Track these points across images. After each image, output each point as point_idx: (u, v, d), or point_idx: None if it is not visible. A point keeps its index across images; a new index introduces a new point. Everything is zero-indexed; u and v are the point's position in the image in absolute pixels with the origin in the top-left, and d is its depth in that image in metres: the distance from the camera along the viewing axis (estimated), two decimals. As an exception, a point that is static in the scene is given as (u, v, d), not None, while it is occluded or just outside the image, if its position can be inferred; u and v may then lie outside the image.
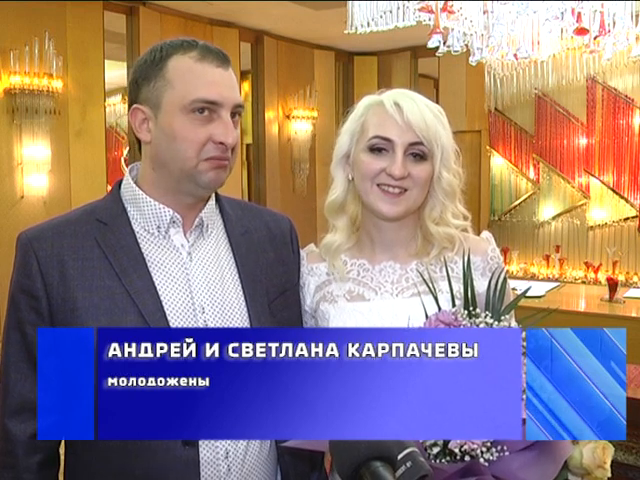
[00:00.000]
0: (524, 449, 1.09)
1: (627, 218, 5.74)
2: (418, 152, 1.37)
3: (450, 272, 1.35)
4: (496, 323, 1.19)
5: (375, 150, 1.38)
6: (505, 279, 1.29)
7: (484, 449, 1.07)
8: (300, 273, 1.50)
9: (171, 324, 1.25)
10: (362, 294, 1.42)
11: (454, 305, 1.27)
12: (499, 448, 1.08)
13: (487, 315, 1.20)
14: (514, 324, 1.21)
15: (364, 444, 0.83)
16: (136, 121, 1.29)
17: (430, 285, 1.29)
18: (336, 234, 1.48)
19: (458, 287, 1.31)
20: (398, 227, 1.44)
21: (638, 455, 2.75)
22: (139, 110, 1.29)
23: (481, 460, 1.07)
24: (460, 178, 1.44)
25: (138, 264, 1.27)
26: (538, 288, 5.33)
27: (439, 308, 1.25)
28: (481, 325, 1.17)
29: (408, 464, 0.87)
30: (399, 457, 0.87)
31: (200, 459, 1.24)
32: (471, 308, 1.23)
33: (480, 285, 1.31)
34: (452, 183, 1.42)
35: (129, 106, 1.32)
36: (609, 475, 1.13)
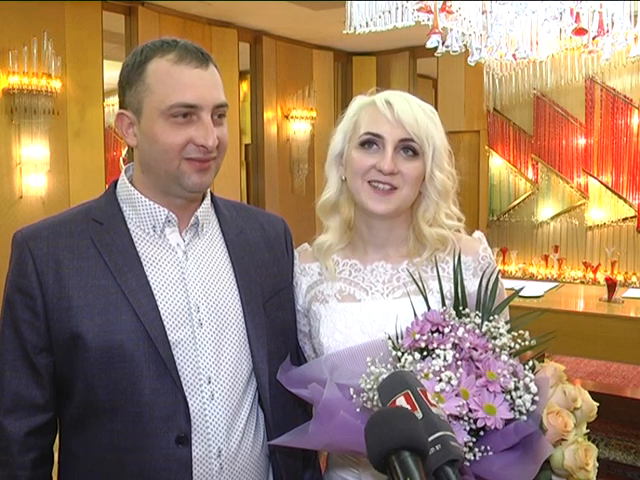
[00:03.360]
0: (506, 450, 1.09)
1: (626, 218, 5.75)
2: (409, 148, 1.37)
3: (441, 272, 1.35)
4: (486, 323, 1.19)
5: (366, 146, 1.39)
6: (497, 279, 1.29)
7: (466, 449, 1.07)
8: (293, 272, 1.51)
9: (165, 323, 1.25)
10: (353, 294, 1.43)
11: (444, 305, 1.27)
12: (482, 449, 1.08)
13: (476, 315, 1.20)
14: (502, 324, 1.20)
15: (398, 432, 0.83)
16: (122, 126, 1.30)
17: (420, 285, 1.30)
18: (328, 234, 1.48)
19: (449, 287, 1.31)
20: (390, 227, 1.44)
21: (637, 455, 2.75)
22: (124, 115, 1.29)
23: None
24: (454, 179, 1.43)
25: (133, 263, 1.27)
26: (537, 288, 5.33)
27: (428, 308, 1.25)
28: (469, 325, 1.17)
29: (437, 447, 0.86)
30: (429, 439, 0.86)
31: (192, 457, 1.25)
32: (460, 308, 1.23)
33: (471, 285, 1.32)
34: (445, 183, 1.41)
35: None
36: (593, 477, 1.12)
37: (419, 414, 0.90)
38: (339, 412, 1.11)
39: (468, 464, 1.07)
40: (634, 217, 5.69)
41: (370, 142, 1.38)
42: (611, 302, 4.91)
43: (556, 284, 5.74)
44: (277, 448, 1.33)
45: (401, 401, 0.93)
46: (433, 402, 0.95)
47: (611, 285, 4.96)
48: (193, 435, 1.25)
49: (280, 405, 1.35)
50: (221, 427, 1.28)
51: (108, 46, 5.10)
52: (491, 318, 1.21)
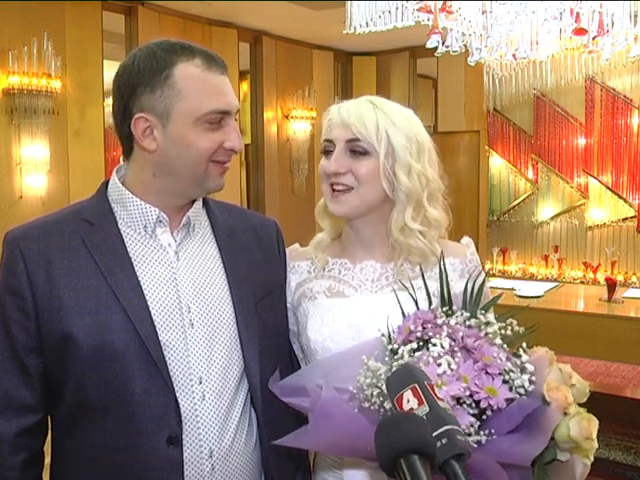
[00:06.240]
0: (511, 431, 1.10)
1: (626, 218, 5.75)
2: (356, 148, 1.39)
3: (429, 272, 1.38)
4: (473, 320, 1.21)
5: (327, 153, 1.44)
6: (483, 281, 1.32)
7: (472, 430, 1.08)
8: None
9: (156, 323, 1.25)
10: (342, 291, 1.44)
11: (430, 303, 1.29)
12: (486, 432, 1.09)
13: (462, 313, 1.22)
14: (490, 316, 1.23)
15: (408, 436, 0.84)
16: (138, 129, 1.26)
17: (408, 285, 1.33)
18: (323, 232, 1.53)
19: (436, 286, 1.33)
20: (368, 226, 1.45)
21: (637, 455, 2.75)
22: (143, 119, 1.26)
23: (470, 440, 1.08)
24: (427, 180, 1.41)
25: (124, 263, 1.27)
26: (537, 288, 5.34)
27: (417, 305, 1.28)
28: (460, 319, 1.20)
29: (444, 441, 0.87)
30: (435, 433, 0.87)
31: (184, 458, 1.24)
32: (447, 308, 1.25)
33: (459, 286, 1.33)
34: (409, 185, 1.39)
35: (120, 111, 1.28)
36: (596, 446, 1.15)
37: (426, 408, 0.91)
38: (340, 407, 1.12)
39: (476, 445, 1.08)
40: (634, 217, 5.69)
41: (327, 148, 1.43)
42: (611, 302, 4.91)
43: (556, 284, 5.74)
44: (270, 449, 1.33)
45: (408, 395, 0.94)
46: (440, 396, 0.96)
47: (611, 285, 4.96)
48: (184, 436, 1.25)
49: (272, 406, 1.34)
50: (213, 428, 1.28)
51: (108, 46, 5.11)
52: (478, 315, 1.24)
